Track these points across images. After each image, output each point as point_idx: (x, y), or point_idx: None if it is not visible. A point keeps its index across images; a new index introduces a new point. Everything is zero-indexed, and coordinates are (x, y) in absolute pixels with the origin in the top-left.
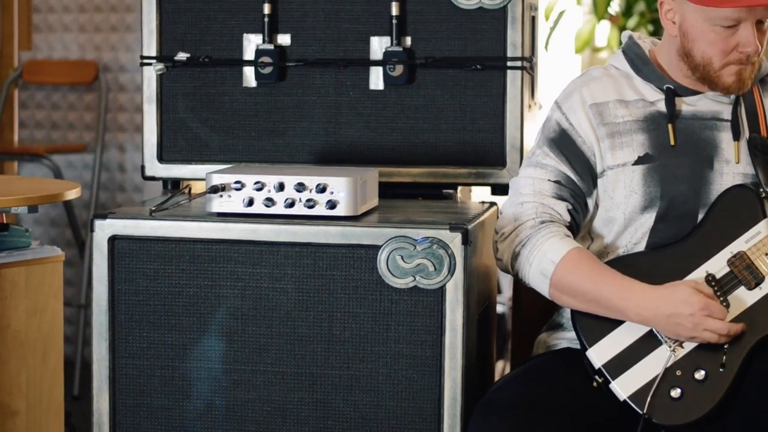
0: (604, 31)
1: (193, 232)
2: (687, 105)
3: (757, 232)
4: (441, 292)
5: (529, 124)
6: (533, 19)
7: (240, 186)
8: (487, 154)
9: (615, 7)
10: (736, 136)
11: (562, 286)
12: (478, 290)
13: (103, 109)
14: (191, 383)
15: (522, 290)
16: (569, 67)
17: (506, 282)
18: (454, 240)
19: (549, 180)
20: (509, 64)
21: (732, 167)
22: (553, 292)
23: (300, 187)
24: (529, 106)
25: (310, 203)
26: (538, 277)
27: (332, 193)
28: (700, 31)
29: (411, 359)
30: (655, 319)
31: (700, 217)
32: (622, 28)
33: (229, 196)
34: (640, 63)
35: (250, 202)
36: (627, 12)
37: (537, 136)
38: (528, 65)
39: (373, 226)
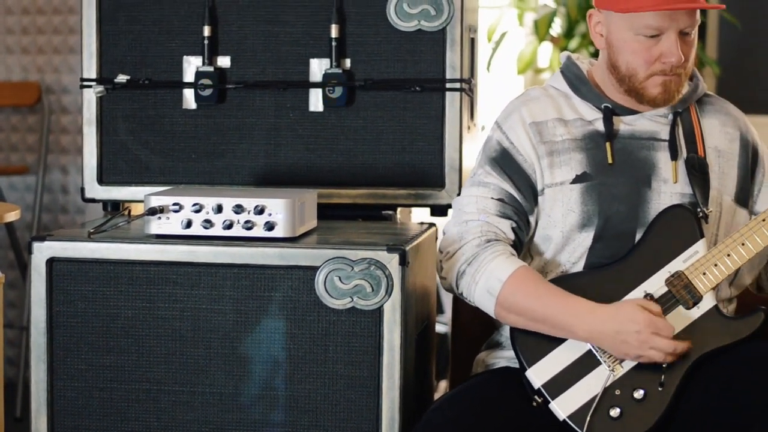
0: (546, 53)
1: (131, 254)
2: (625, 124)
3: (695, 252)
4: (378, 312)
5: (469, 145)
6: (472, 41)
7: (178, 208)
8: (426, 176)
9: (557, 29)
10: (674, 155)
11: (509, 304)
12: (417, 310)
13: (45, 130)
14: (129, 405)
15: (462, 309)
16: (512, 88)
17: (448, 301)
18: (392, 261)
19: (492, 198)
20: (448, 85)
21: (670, 187)
22: (499, 310)
23: (238, 209)
24: (469, 128)
25: (249, 225)
26: (485, 296)
27: (270, 214)
28: (624, 41)
29: (349, 380)
30: (602, 336)
31: (638, 236)
32: (564, 49)
33: (168, 218)
34: (578, 83)
35: (189, 224)
36: (568, 33)
37: (478, 156)
38: (467, 87)
39: (310, 248)
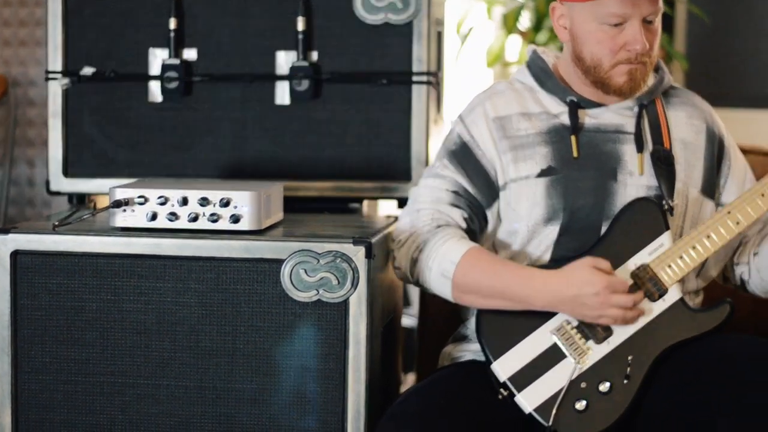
0: (515, 46)
1: (96, 247)
2: (590, 118)
3: (660, 244)
4: (344, 305)
5: (435, 138)
6: (439, 35)
7: (143, 200)
8: (393, 168)
9: (525, 22)
10: (640, 148)
11: (464, 284)
12: (383, 303)
13: (12, 123)
14: (94, 398)
15: (429, 302)
16: (481, 82)
17: (415, 294)
18: (358, 253)
19: (447, 190)
20: (415, 79)
21: (636, 179)
22: (456, 293)
23: (203, 202)
24: (435, 121)
25: (214, 217)
26: (440, 280)
27: (236, 207)
28: (588, 31)
29: (315, 372)
30: (560, 302)
31: (604, 229)
32: (533, 43)
33: (133, 210)
34: (544, 76)
35: (154, 217)
36: (537, 27)
37: (439, 149)
38: (434, 80)
39: (276, 240)
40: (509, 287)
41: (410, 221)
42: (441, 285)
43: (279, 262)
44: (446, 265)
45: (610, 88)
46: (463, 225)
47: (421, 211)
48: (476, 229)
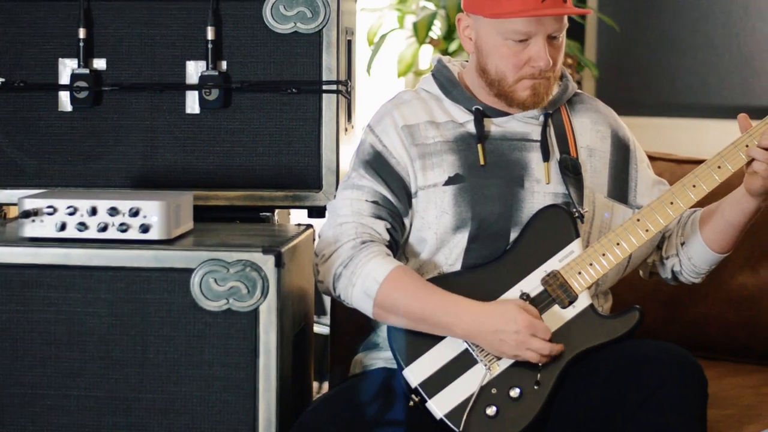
0: (426, 55)
1: (4, 257)
2: (496, 126)
3: (571, 252)
4: (254, 314)
5: (345, 147)
6: (349, 43)
7: (52, 210)
8: (304, 177)
9: (437, 31)
10: (546, 157)
11: (387, 305)
12: (293, 312)
13: None
14: (4, 409)
15: (339, 311)
16: (393, 91)
17: (330, 303)
18: (267, 262)
19: (366, 200)
20: (324, 87)
21: (543, 187)
22: (378, 311)
23: (113, 211)
24: (346, 130)
25: (123, 227)
26: (362, 298)
27: (145, 216)
28: (494, 46)
29: (225, 382)
30: (480, 335)
31: (513, 236)
32: (444, 52)
33: (42, 220)
34: (449, 85)
35: (63, 227)
36: (448, 36)
37: (352, 160)
38: (344, 89)
39: (186, 250)
40: (432, 312)
41: (333, 235)
42: (363, 302)
43: (188, 272)
44: (370, 284)
45: (513, 101)
46: (387, 237)
47: (344, 225)
48: (398, 238)
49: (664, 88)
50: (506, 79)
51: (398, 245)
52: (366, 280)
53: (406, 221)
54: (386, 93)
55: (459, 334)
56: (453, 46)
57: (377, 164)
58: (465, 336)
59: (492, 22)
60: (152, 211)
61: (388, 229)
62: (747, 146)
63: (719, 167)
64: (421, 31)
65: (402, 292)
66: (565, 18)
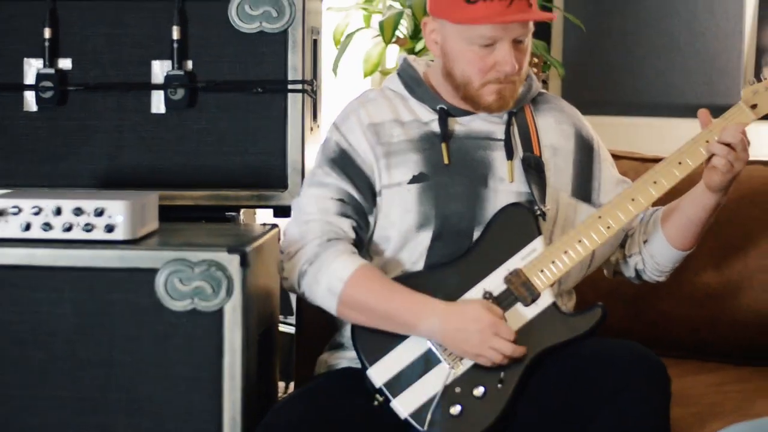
0: (393, 55)
1: None
2: (460, 125)
3: (533, 250)
4: (219, 314)
5: (311, 146)
6: (315, 43)
7: (17, 210)
8: (269, 177)
9: (404, 30)
10: (509, 155)
11: (352, 303)
12: (258, 311)
13: None
14: None
15: (306, 310)
16: (359, 90)
17: (296, 303)
18: (232, 262)
19: (332, 198)
20: (290, 87)
21: (506, 186)
22: (342, 309)
23: (78, 212)
24: (311, 129)
25: (88, 227)
26: (327, 295)
27: (110, 216)
28: (460, 50)
29: (190, 381)
30: (444, 334)
31: (476, 235)
32: (411, 51)
33: (6, 221)
34: (414, 85)
35: (28, 227)
36: (415, 35)
37: (317, 158)
38: (309, 88)
39: (150, 249)
40: (396, 311)
41: (299, 233)
42: (327, 300)
43: (153, 272)
44: (334, 282)
45: (479, 105)
46: (352, 235)
47: (310, 223)
48: (364, 236)
49: (630, 87)
50: (472, 84)
51: (363, 243)
52: (331, 278)
53: (371, 219)
54: (353, 92)
55: (423, 333)
56: (419, 46)
57: (343, 162)
58: (428, 335)
59: (458, 28)
60: (117, 211)
61: (354, 227)
62: (707, 142)
63: (680, 163)
64: (387, 31)
65: (366, 290)
66: (531, 23)
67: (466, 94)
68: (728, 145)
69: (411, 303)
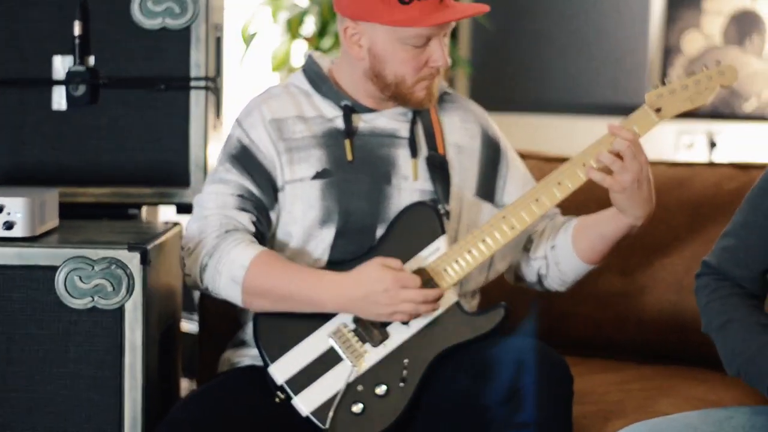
0: (300, 51)
1: None
2: (364, 122)
3: (437, 248)
4: (120, 312)
5: (214, 143)
6: (219, 40)
7: None
8: (172, 174)
9: (311, 27)
10: (414, 153)
11: (255, 289)
12: (160, 309)
13: None
14: None
15: (208, 308)
16: (267, 87)
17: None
18: (133, 260)
19: (232, 194)
20: (193, 84)
21: (410, 184)
22: (246, 297)
23: None
24: (214, 126)
25: None
26: (230, 285)
27: (9, 213)
28: (392, 51)
29: (91, 380)
30: (352, 303)
31: (379, 232)
32: (318, 48)
33: None
34: (319, 81)
35: None
36: (322, 32)
37: (219, 154)
38: (212, 85)
39: (50, 247)
40: (300, 290)
41: (198, 228)
42: (231, 290)
43: (53, 269)
44: (236, 270)
45: (410, 102)
46: (252, 228)
47: (208, 218)
48: (264, 231)
49: (537, 85)
50: (405, 83)
51: (265, 239)
52: (232, 267)
53: (273, 215)
54: (261, 89)
55: (330, 308)
56: (326, 43)
57: (244, 158)
58: (336, 308)
59: (390, 29)
60: (16, 208)
61: (253, 222)
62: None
63: (584, 164)
64: (293, 27)
65: (268, 273)
66: None
67: (397, 93)
68: (617, 154)
69: (313, 281)
